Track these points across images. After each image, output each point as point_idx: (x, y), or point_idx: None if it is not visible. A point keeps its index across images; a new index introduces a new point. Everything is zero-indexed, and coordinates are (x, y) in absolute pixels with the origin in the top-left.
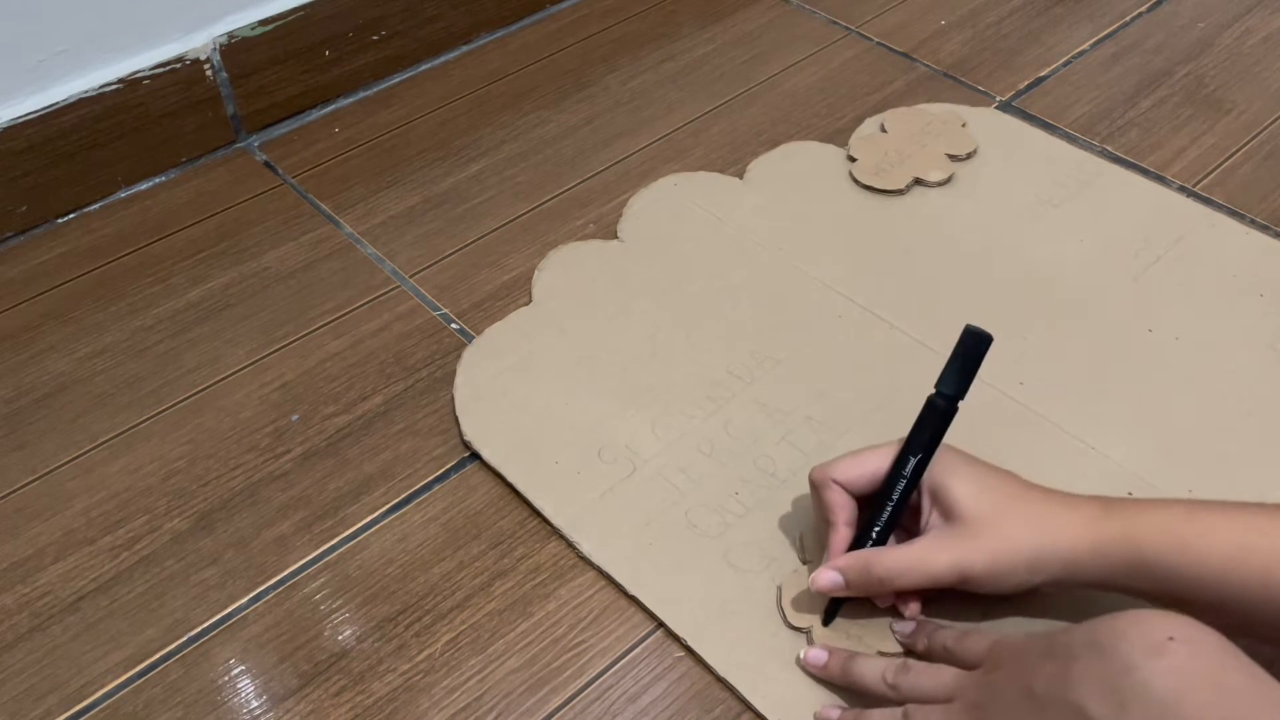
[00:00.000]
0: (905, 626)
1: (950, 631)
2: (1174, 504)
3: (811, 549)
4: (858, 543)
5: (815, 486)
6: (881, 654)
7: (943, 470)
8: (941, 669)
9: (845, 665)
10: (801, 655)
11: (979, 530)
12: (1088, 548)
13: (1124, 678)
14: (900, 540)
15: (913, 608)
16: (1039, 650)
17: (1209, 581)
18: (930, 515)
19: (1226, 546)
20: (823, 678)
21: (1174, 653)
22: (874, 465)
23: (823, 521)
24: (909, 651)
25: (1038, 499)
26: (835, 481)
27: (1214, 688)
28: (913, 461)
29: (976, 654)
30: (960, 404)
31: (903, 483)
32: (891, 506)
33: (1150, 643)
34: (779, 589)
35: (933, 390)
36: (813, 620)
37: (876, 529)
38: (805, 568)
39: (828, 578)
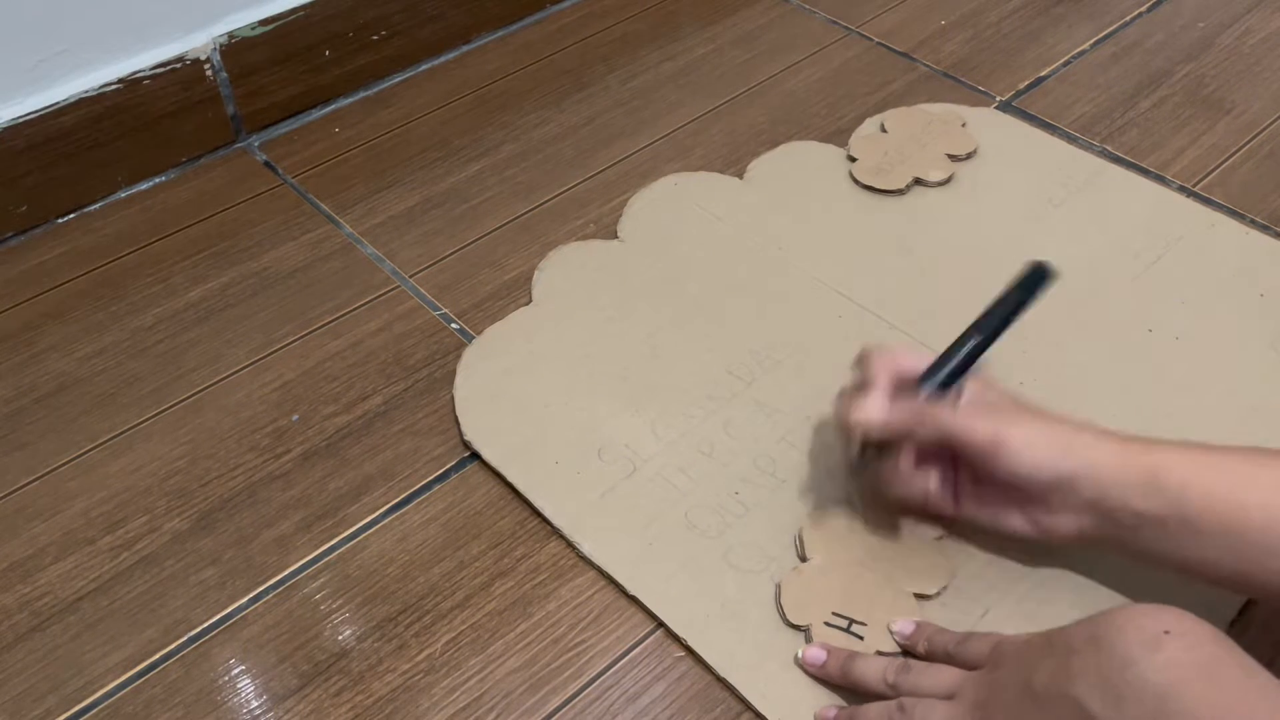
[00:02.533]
0: (905, 627)
1: (952, 635)
2: (1189, 441)
3: (809, 546)
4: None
5: (867, 356)
6: (880, 654)
7: (987, 381)
8: (943, 669)
9: (844, 665)
10: (800, 654)
11: (1020, 415)
12: (1113, 459)
13: (1121, 672)
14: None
15: (933, 479)
16: (1039, 647)
17: (1218, 497)
18: (972, 401)
19: (1236, 469)
20: (821, 677)
21: (1170, 646)
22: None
23: (858, 387)
24: (907, 653)
25: (1067, 416)
26: (894, 358)
27: (1208, 680)
28: (976, 340)
29: (979, 655)
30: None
31: (976, 339)
32: (963, 355)
33: (1146, 637)
34: (778, 587)
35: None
36: (812, 619)
37: (948, 367)
38: (804, 565)
39: (875, 405)
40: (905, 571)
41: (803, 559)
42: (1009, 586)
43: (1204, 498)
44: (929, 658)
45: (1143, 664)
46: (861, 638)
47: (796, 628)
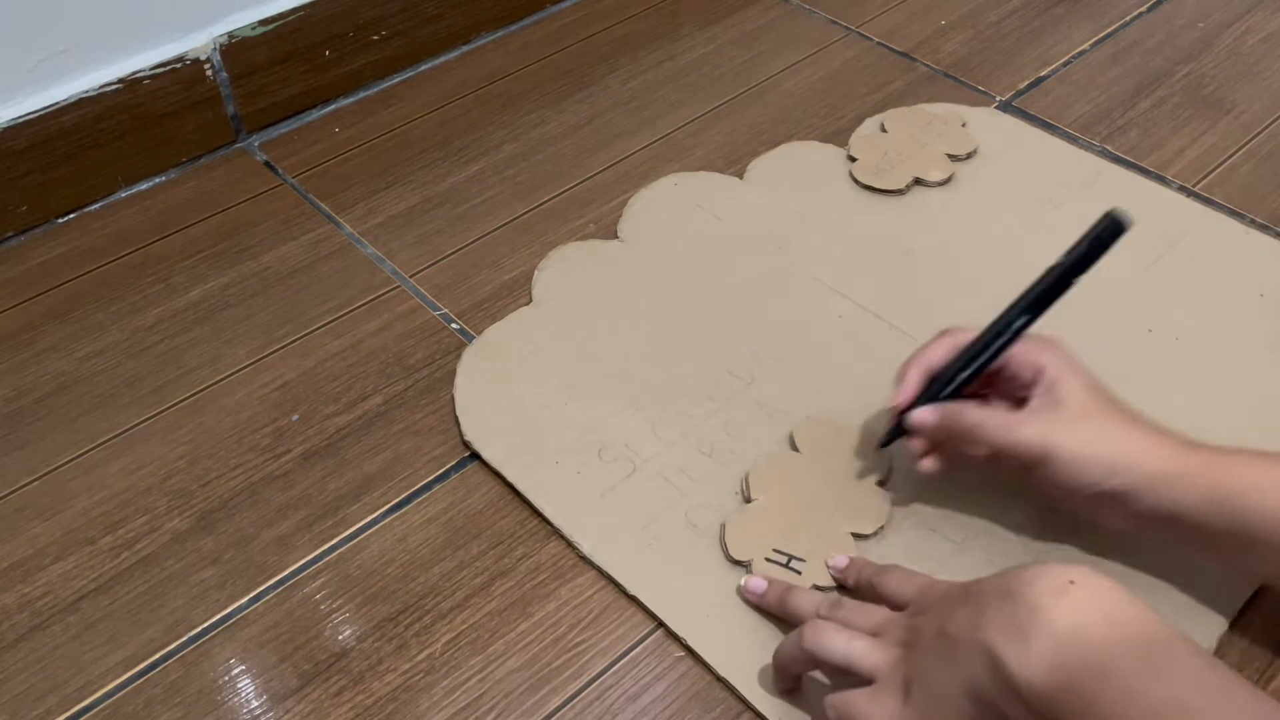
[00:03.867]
0: (839, 561)
1: (873, 566)
2: (1257, 451)
3: (754, 488)
4: (941, 384)
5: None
6: (817, 588)
7: (1063, 368)
8: (872, 609)
9: (781, 596)
10: (742, 583)
11: (1078, 419)
12: (1171, 471)
13: (1030, 617)
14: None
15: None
16: (957, 597)
17: None
18: (1038, 399)
19: None
20: (759, 606)
21: (1076, 594)
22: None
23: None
24: (841, 586)
25: (1137, 416)
26: (953, 337)
27: (1110, 622)
28: (1022, 320)
29: (902, 595)
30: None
31: (1005, 336)
32: (989, 354)
33: (1054, 586)
34: (722, 526)
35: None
36: (753, 554)
37: (965, 373)
38: (749, 506)
39: (921, 415)
40: (844, 513)
41: (747, 500)
42: None
43: (1265, 521)
44: (857, 588)
45: (1050, 610)
46: (799, 573)
47: (738, 563)
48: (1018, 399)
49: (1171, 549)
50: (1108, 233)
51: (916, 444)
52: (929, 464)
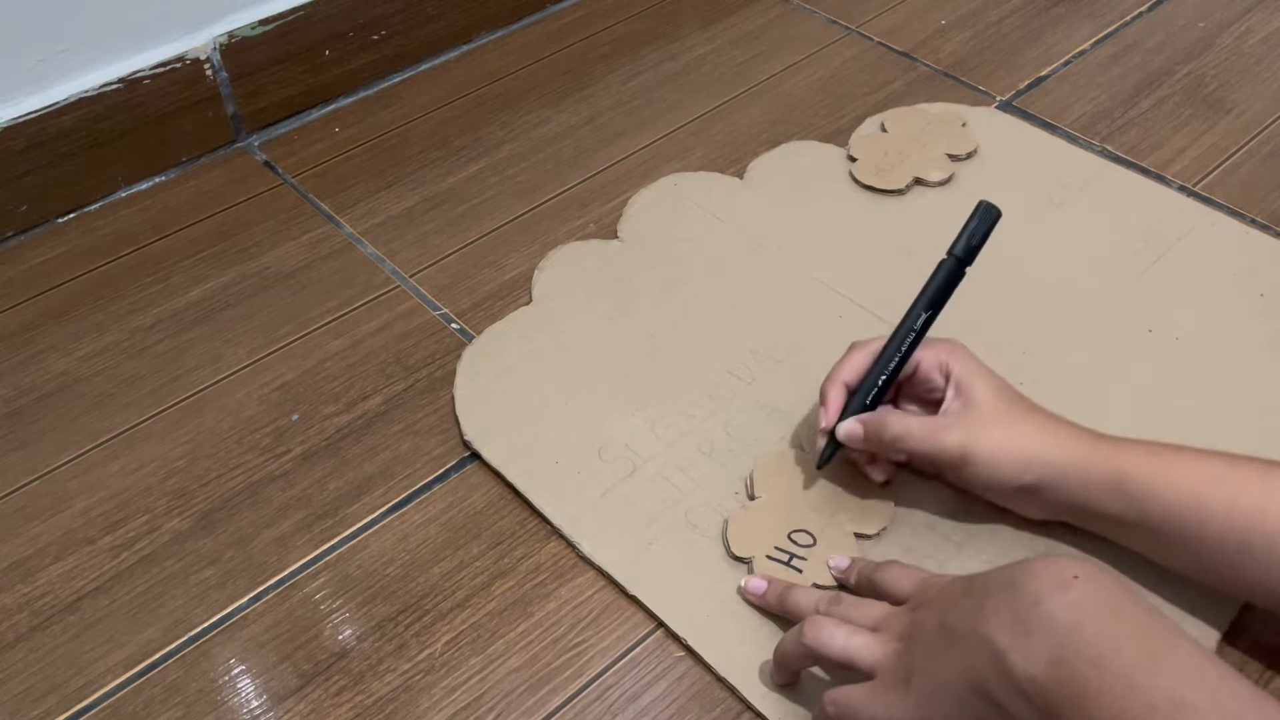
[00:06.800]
0: (840, 562)
1: (870, 562)
2: (1158, 442)
3: (758, 485)
4: (861, 395)
5: (850, 351)
6: (817, 586)
7: (970, 368)
8: (872, 604)
9: (781, 595)
10: (743, 584)
11: (992, 420)
12: (1079, 463)
13: (1030, 610)
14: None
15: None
16: (959, 590)
17: (1180, 506)
18: (951, 403)
19: (1199, 476)
20: (760, 605)
21: (1078, 588)
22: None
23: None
24: (842, 586)
25: (1045, 413)
26: (862, 349)
27: (1111, 616)
28: (924, 316)
29: (901, 589)
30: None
31: (912, 336)
32: (900, 357)
33: (1057, 580)
34: (725, 522)
35: (945, 255)
36: (754, 551)
37: (883, 378)
38: (752, 504)
39: (849, 428)
40: (848, 513)
41: (751, 498)
42: None
43: (1165, 509)
44: (858, 589)
45: (1052, 602)
46: (800, 571)
47: (740, 560)
48: (929, 400)
49: None
50: (986, 220)
51: (854, 456)
52: (878, 475)
